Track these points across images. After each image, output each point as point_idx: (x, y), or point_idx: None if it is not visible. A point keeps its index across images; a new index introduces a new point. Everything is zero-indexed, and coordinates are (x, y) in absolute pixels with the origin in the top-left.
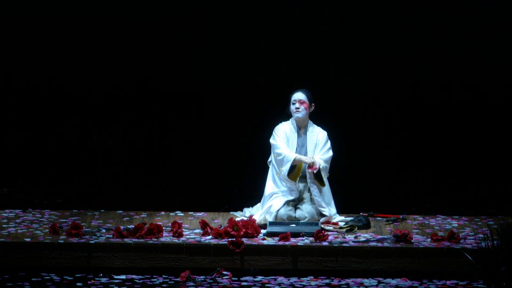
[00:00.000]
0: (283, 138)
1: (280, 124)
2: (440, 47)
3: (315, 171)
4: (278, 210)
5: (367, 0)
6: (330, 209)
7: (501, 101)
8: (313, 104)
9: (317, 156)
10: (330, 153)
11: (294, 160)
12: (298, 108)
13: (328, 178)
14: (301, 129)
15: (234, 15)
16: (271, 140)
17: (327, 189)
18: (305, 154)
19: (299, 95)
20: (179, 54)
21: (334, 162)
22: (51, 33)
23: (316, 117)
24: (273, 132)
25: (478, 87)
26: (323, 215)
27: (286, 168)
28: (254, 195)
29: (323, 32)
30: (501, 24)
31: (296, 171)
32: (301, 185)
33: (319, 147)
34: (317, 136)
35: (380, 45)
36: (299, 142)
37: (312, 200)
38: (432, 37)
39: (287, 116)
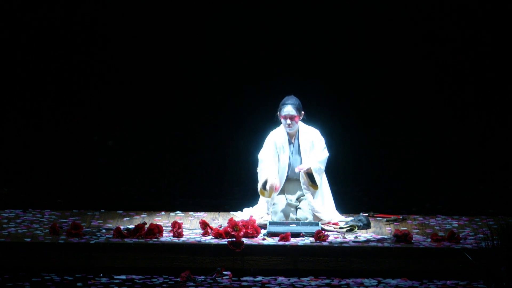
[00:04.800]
0: (270, 155)
1: (270, 133)
2: (438, 46)
3: (301, 171)
4: (282, 210)
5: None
6: (327, 214)
7: (501, 101)
8: (302, 112)
9: (311, 158)
10: (325, 153)
11: (267, 179)
12: (290, 124)
13: (328, 177)
14: (292, 136)
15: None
16: (260, 153)
17: (326, 192)
18: (300, 160)
19: (289, 111)
20: (178, 55)
21: (334, 162)
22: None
23: (316, 117)
24: (264, 145)
25: (479, 87)
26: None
27: (259, 184)
28: (254, 195)
29: (316, 29)
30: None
31: (269, 191)
32: (300, 186)
33: (313, 149)
34: (310, 138)
35: (380, 42)
36: (292, 149)
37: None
38: (431, 36)
39: (274, 120)
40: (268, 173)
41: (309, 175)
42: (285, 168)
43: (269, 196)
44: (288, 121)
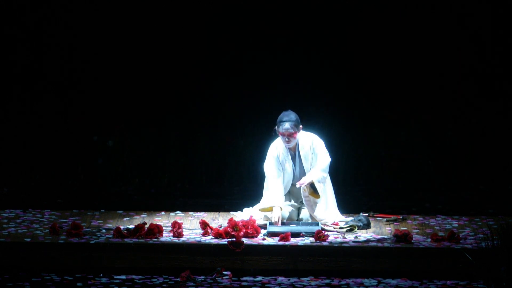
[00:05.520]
0: (274, 169)
1: (271, 146)
2: (438, 47)
3: (302, 185)
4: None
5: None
6: (330, 217)
7: (501, 101)
8: (300, 126)
9: (313, 170)
10: (327, 158)
11: (273, 207)
12: (288, 141)
13: (330, 174)
14: (293, 147)
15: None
16: (264, 166)
17: (330, 194)
18: (302, 171)
19: (288, 129)
20: (178, 56)
21: (334, 162)
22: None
23: (316, 118)
24: (266, 157)
25: (479, 88)
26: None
27: (262, 205)
28: (254, 195)
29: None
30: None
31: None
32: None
33: (314, 155)
34: (309, 145)
35: (380, 43)
36: (294, 162)
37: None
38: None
39: (272, 134)
40: (274, 200)
41: (312, 185)
42: (290, 177)
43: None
44: (286, 139)
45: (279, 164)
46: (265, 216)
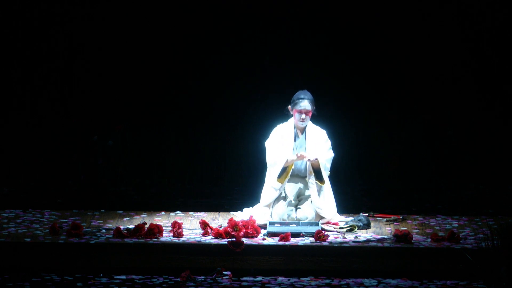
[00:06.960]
0: (277, 143)
1: (278, 126)
2: (439, 46)
3: (310, 159)
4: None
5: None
6: (329, 211)
7: (502, 101)
8: (314, 107)
9: (318, 153)
10: (331, 153)
11: (286, 161)
12: (304, 119)
13: (329, 177)
14: (300, 133)
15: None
16: (266, 143)
17: (328, 191)
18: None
19: (305, 106)
20: (178, 56)
21: (334, 161)
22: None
23: (316, 118)
24: (270, 136)
25: (479, 87)
26: (322, 217)
27: (276, 171)
28: (254, 195)
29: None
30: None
31: (285, 174)
32: (301, 185)
33: (319, 148)
34: (316, 136)
35: (381, 44)
36: (297, 144)
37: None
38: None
39: (284, 113)
40: (283, 156)
41: (316, 172)
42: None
43: (284, 180)
44: (303, 116)
45: (282, 144)
46: (265, 216)
